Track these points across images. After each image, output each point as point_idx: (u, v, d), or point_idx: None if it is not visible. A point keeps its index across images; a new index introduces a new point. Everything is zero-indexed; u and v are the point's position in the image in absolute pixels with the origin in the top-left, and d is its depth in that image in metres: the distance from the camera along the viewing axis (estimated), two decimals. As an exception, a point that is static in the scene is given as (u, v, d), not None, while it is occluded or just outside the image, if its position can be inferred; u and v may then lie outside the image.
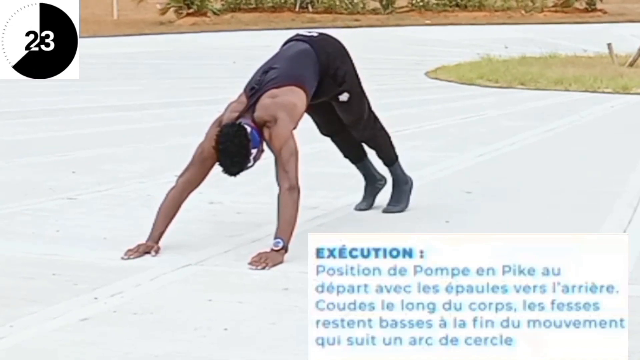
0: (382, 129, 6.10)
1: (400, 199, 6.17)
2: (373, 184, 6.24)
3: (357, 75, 5.83)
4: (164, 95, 13.05)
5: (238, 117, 5.31)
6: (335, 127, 6.01)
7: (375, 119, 6.04)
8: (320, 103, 5.73)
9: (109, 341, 4.00)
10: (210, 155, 5.26)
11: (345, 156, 6.22)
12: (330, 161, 6.93)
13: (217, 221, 5.97)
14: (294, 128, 5.39)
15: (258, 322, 4.21)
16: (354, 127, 5.96)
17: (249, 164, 5.25)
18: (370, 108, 5.98)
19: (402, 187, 6.18)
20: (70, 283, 4.75)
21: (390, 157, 6.18)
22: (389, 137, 6.16)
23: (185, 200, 5.39)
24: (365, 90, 5.90)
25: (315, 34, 5.79)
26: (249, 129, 5.21)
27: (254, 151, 5.22)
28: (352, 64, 5.81)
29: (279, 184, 5.24)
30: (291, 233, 5.14)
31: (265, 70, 5.51)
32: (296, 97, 5.41)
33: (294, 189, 5.20)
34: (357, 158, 6.21)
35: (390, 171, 6.22)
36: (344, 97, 5.75)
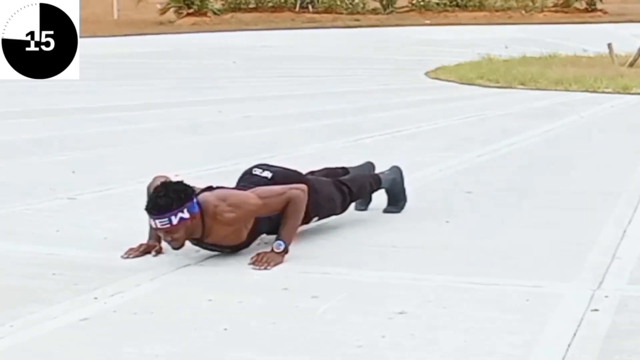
0: (353, 185, 5.83)
1: (396, 199, 6.13)
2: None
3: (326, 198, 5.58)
4: (164, 95, 13.04)
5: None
6: None
7: (343, 187, 5.76)
8: None
9: (109, 341, 4.00)
10: None
11: None
12: (330, 162, 6.92)
13: (217, 221, 5.96)
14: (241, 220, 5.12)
15: (258, 322, 4.21)
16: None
17: (175, 218, 4.90)
18: (342, 189, 5.72)
19: (394, 189, 6.11)
20: (70, 283, 4.75)
21: (375, 189, 6.07)
22: (367, 178, 6.03)
23: None
24: (331, 190, 5.64)
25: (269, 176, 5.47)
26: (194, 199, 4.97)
27: (185, 210, 4.91)
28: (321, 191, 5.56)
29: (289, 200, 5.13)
30: (293, 238, 5.14)
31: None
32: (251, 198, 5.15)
33: (305, 192, 5.17)
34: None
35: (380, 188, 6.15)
36: (316, 219, 5.59)
